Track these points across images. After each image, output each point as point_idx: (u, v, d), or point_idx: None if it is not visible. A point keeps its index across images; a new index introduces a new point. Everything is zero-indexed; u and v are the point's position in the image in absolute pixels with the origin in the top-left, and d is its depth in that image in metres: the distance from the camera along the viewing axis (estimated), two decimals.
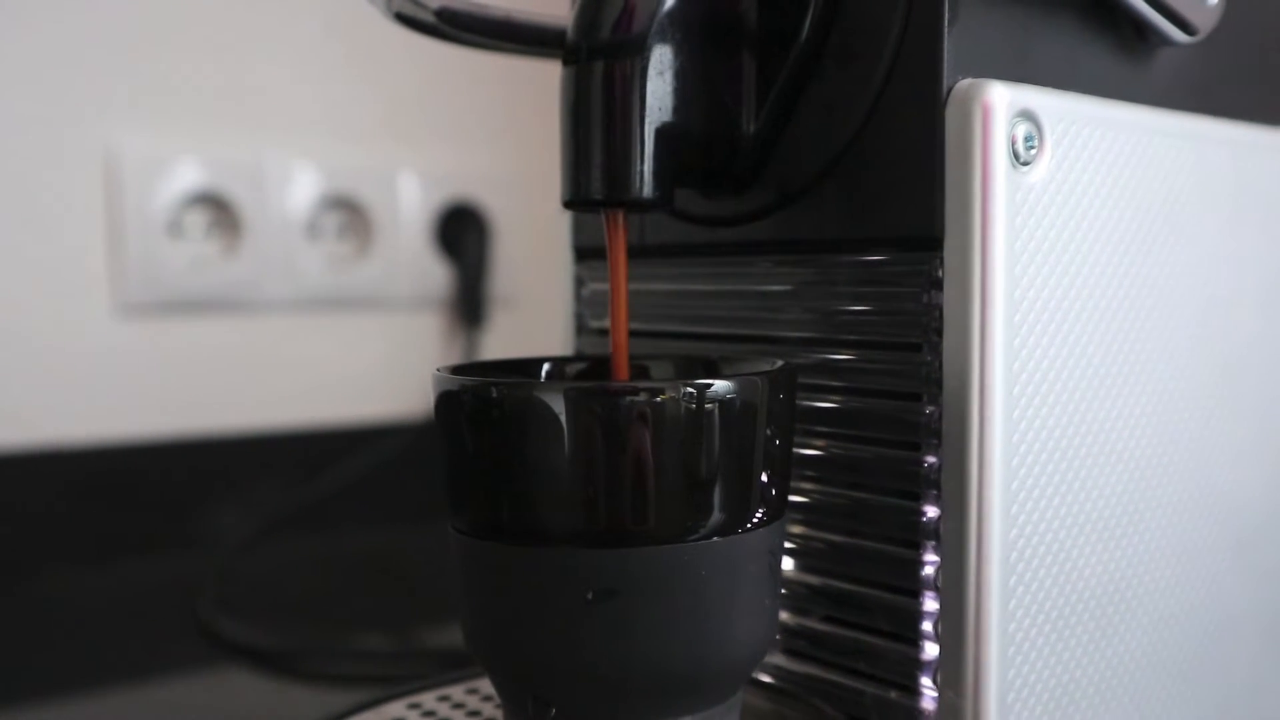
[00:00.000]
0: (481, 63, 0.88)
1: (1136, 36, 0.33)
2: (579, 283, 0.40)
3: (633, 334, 0.32)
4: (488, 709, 0.35)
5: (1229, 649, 0.36)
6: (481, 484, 0.28)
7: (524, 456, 0.28)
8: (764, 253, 0.34)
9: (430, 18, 0.34)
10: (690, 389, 0.27)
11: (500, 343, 0.89)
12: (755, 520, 0.29)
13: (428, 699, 0.36)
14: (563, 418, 0.27)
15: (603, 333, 0.40)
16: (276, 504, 0.79)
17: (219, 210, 0.79)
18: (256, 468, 0.80)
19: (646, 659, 0.28)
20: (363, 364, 0.85)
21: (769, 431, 0.29)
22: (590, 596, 0.27)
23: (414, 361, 0.86)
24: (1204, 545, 0.35)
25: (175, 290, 0.77)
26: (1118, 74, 0.33)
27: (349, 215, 0.84)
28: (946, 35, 0.29)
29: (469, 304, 0.86)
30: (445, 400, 0.29)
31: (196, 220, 0.79)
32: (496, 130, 0.90)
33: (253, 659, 0.60)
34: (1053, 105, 0.30)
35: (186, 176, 0.77)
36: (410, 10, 0.34)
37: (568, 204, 0.31)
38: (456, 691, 0.37)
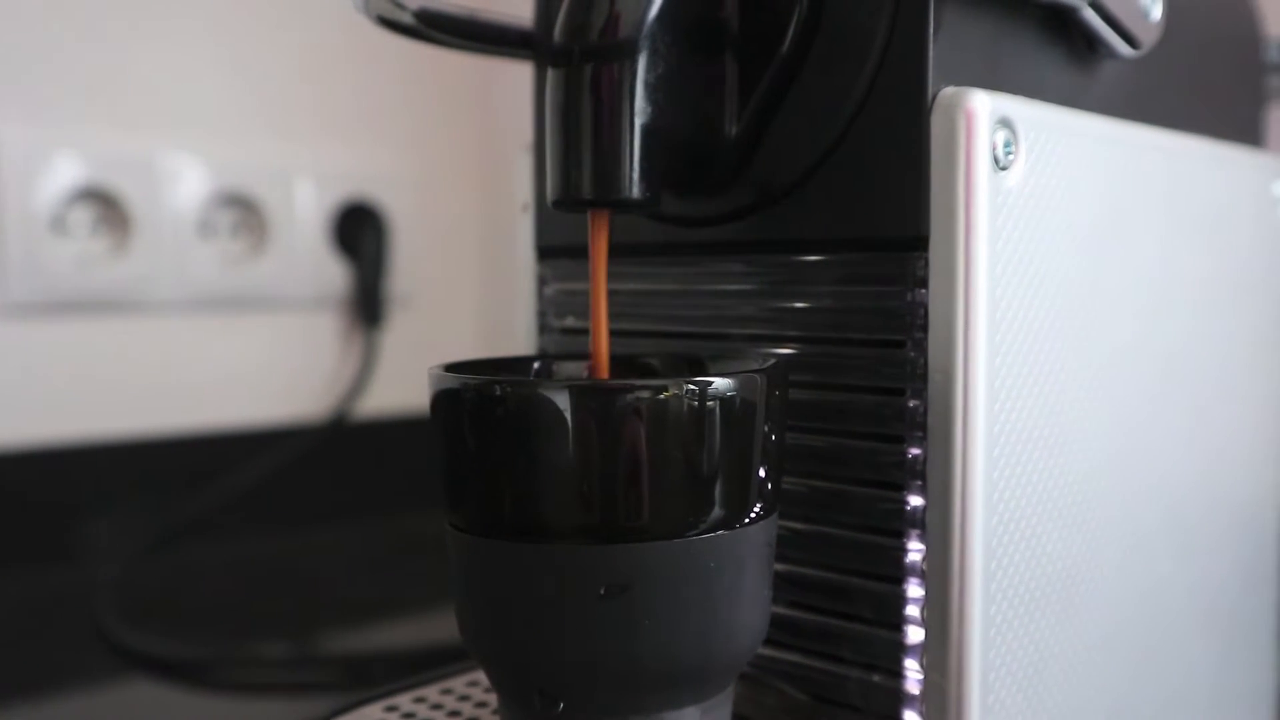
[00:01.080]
0: (379, 60, 0.87)
1: (1086, 49, 0.35)
2: (542, 282, 0.40)
3: (613, 333, 0.33)
4: (467, 709, 0.35)
5: (1168, 626, 0.38)
6: (493, 483, 0.29)
7: (540, 455, 0.28)
8: (746, 252, 0.35)
9: (410, 19, 0.34)
10: (701, 386, 0.28)
11: (400, 343, 0.88)
12: (755, 513, 0.29)
13: (404, 700, 0.36)
14: (585, 417, 0.27)
15: (567, 331, 0.40)
16: (173, 510, 0.76)
17: (106, 206, 0.76)
18: (149, 474, 0.78)
19: (658, 651, 0.28)
20: (259, 365, 0.83)
21: (767, 426, 0.30)
22: (603, 591, 0.28)
23: (311, 362, 0.85)
24: (1147, 530, 0.37)
25: (61, 290, 0.74)
26: (1070, 84, 0.35)
27: (243, 213, 0.82)
28: (932, 45, 0.30)
29: (367, 303, 0.85)
30: (462, 402, 0.29)
31: (82, 217, 0.76)
32: (394, 128, 0.89)
33: (156, 669, 0.58)
34: (1025, 113, 0.31)
35: (71, 171, 0.74)
36: (390, 12, 0.33)
37: (555, 204, 0.32)
38: (431, 692, 0.36)
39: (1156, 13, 0.35)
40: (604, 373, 0.32)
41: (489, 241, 0.92)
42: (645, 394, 0.28)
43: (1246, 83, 0.44)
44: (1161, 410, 0.37)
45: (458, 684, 0.37)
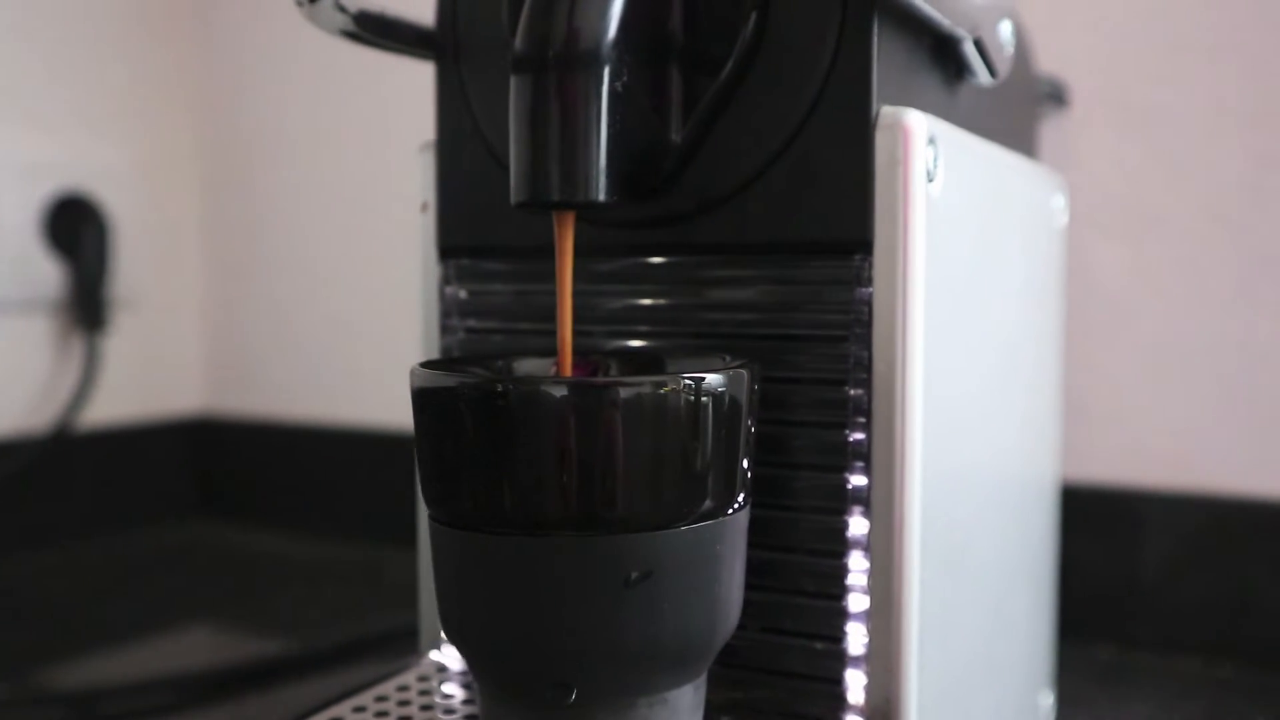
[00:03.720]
0: (101, 47, 0.80)
1: (956, 75, 0.40)
2: (444, 282, 0.40)
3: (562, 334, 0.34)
4: (416, 714, 0.35)
5: (1009, 576, 0.44)
6: (511, 481, 0.29)
7: (561, 451, 0.28)
8: (696, 254, 0.36)
9: (351, 25, 0.33)
10: (697, 381, 0.30)
11: (124, 348, 0.81)
12: (742, 499, 0.32)
13: (344, 710, 0.35)
14: (610, 412, 0.28)
15: (471, 332, 0.40)
16: None
17: None
18: None
19: (675, 632, 0.30)
20: None
21: (749, 418, 0.32)
22: (627, 580, 0.29)
23: (24, 370, 0.77)
24: (1000, 498, 0.42)
25: None
26: (943, 104, 0.39)
27: None
28: (876, 67, 0.33)
29: (87, 306, 0.78)
30: (466, 400, 0.29)
31: None
32: (115, 118, 0.82)
33: None
34: (942, 130, 0.35)
35: None
36: (344, 24, 0.33)
37: (521, 205, 0.32)
38: (367, 700, 0.36)
39: (1011, 49, 0.40)
40: (569, 369, 0.33)
41: (215, 239, 0.87)
42: (658, 389, 0.29)
43: (1029, 108, 0.51)
44: (1003, 395, 0.43)
45: (388, 689, 0.36)
